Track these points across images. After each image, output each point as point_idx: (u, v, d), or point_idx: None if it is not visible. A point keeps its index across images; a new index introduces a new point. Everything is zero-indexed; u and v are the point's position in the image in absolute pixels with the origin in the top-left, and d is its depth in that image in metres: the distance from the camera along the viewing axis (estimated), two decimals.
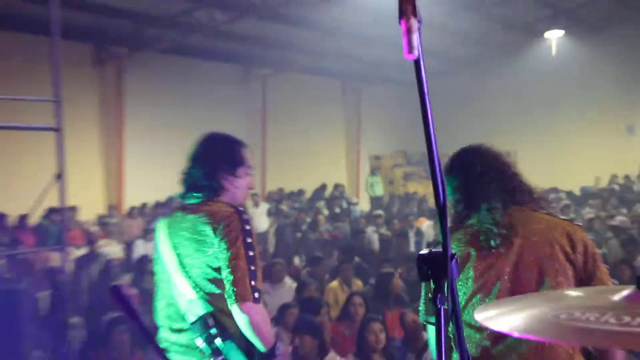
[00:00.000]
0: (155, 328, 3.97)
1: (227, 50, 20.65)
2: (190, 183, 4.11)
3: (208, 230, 3.76)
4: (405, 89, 25.68)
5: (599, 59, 24.84)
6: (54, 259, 10.29)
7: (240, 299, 3.59)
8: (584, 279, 3.43)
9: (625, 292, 1.78)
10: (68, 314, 8.54)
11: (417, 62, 1.76)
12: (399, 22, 1.75)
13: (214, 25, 17.34)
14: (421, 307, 3.71)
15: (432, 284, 1.98)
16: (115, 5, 15.79)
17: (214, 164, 4.09)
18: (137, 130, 18.83)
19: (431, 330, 3.73)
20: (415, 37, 1.74)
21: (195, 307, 3.74)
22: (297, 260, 12.71)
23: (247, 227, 3.75)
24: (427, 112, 1.81)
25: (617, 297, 1.77)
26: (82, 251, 13.08)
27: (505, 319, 1.89)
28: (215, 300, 3.72)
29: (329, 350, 6.59)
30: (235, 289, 3.63)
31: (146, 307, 9.50)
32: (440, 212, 1.92)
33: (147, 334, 2.11)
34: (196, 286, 3.77)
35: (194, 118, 20.00)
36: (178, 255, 3.87)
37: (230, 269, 3.66)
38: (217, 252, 3.72)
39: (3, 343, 5.80)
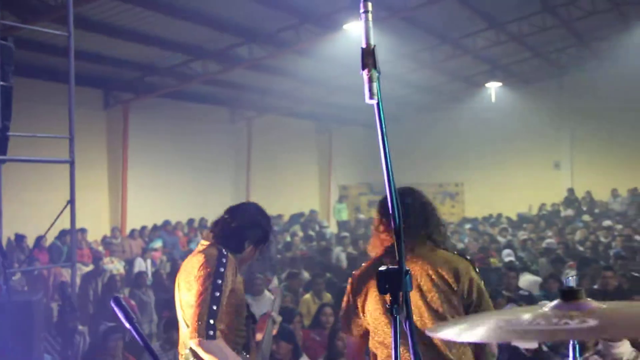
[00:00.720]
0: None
1: (217, 96, 20.67)
2: (215, 225, 3.99)
3: (195, 271, 3.69)
4: (368, 129, 25.85)
5: (530, 106, 25.32)
6: (65, 274, 10.20)
7: (193, 335, 3.55)
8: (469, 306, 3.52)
9: (552, 304, 1.79)
10: (75, 322, 8.46)
11: (377, 105, 1.77)
12: (361, 73, 1.77)
13: (207, 74, 17.35)
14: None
15: (389, 295, 1.96)
16: (121, 57, 15.79)
17: (246, 228, 3.96)
18: (139, 163, 18.77)
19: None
20: (375, 85, 1.76)
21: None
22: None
23: (222, 270, 3.65)
24: (385, 147, 1.82)
25: (546, 309, 1.78)
26: (89, 268, 13.01)
27: (468, 333, 1.89)
28: None
29: (301, 354, 6.56)
30: (192, 325, 3.58)
31: (144, 317, 9.46)
32: (396, 234, 1.92)
33: (143, 340, 2.08)
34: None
35: (188, 153, 20.08)
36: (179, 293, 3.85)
37: (194, 306, 3.60)
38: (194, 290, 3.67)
39: (19, 347, 5.72)
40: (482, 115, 25.84)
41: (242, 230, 3.92)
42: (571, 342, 1.83)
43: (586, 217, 21.74)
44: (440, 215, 3.91)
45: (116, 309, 2.09)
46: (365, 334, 3.70)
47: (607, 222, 19.19)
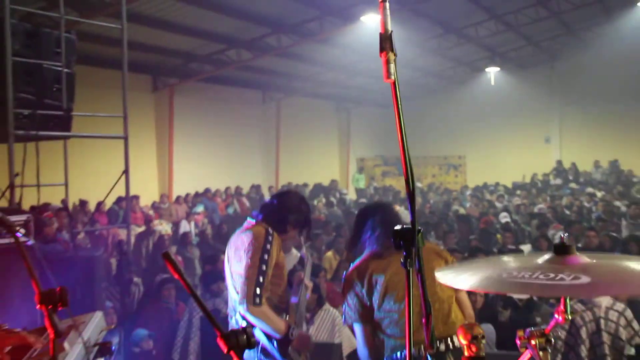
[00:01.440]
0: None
1: (250, 80, 20.60)
2: (263, 208, 4.02)
3: (246, 246, 3.73)
4: (383, 109, 25.81)
5: (524, 88, 25.11)
6: (121, 234, 10.29)
7: (242, 301, 3.60)
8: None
9: (546, 257, 1.78)
10: (131, 274, 8.55)
11: (393, 85, 1.75)
12: (380, 55, 1.75)
13: (240, 61, 17.34)
14: (345, 312, 3.68)
15: (403, 252, 1.94)
16: (167, 46, 15.81)
17: (290, 213, 3.98)
18: (182, 139, 18.88)
19: (359, 332, 3.66)
20: (392, 66, 1.74)
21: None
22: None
23: (268, 247, 3.70)
24: (401, 124, 1.80)
25: (540, 261, 1.77)
26: (141, 229, 13.11)
27: (464, 278, 1.88)
28: None
29: (324, 303, 6.60)
30: (241, 293, 3.63)
31: (187, 271, 9.53)
32: (410, 197, 1.90)
33: (189, 288, 2.08)
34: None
35: (224, 130, 20.13)
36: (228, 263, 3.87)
37: (244, 276, 3.65)
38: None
39: (84, 296, 5.80)
40: (482, 97, 25.64)
41: (286, 215, 3.95)
42: (563, 299, 1.81)
43: (572, 185, 21.66)
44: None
45: (164, 258, 2.09)
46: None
47: (589, 190, 19.16)
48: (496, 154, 25.77)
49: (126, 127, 8.41)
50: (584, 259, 1.72)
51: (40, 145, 7.45)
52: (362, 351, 3.67)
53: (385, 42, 1.74)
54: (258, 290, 3.59)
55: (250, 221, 3.91)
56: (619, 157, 23.83)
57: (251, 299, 3.57)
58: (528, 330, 1.84)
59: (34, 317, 3.84)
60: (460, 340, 1.92)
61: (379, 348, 3.60)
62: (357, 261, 3.76)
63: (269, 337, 3.69)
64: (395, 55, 1.75)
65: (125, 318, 7.10)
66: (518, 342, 1.85)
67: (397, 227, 1.95)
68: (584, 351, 5.57)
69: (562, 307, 1.78)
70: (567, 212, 14.95)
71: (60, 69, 6.78)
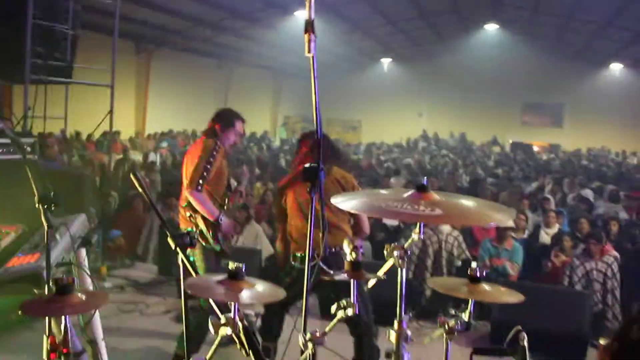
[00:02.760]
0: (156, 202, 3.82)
1: (210, 51, 19.88)
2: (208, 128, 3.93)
3: (198, 152, 3.67)
4: (306, 81, 25.28)
5: (407, 75, 25.59)
6: (105, 159, 9.90)
7: (188, 186, 3.57)
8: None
9: (410, 193, 1.80)
10: (110, 189, 8.29)
11: (313, 58, 1.72)
12: (304, 35, 1.71)
13: (204, 36, 16.90)
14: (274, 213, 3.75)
15: (308, 185, 1.92)
16: (149, 20, 15.06)
17: (218, 121, 3.88)
18: (155, 91, 18.26)
19: (279, 230, 3.77)
20: (312, 45, 1.70)
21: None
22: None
23: (214, 153, 3.64)
24: (315, 88, 1.77)
25: (406, 196, 1.78)
26: (120, 156, 12.68)
27: (350, 204, 1.88)
28: None
29: (251, 219, 6.57)
30: (187, 181, 3.59)
31: (153, 190, 9.28)
32: (317, 145, 1.89)
33: (150, 200, 2.02)
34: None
35: (187, 87, 19.58)
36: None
37: (192, 170, 3.59)
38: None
39: (74, 203, 5.54)
40: (377, 79, 25.89)
41: (229, 115, 3.95)
42: (420, 224, 1.84)
43: (433, 147, 22.19)
44: (342, 149, 4.10)
45: (133, 179, 2.02)
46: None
47: (444, 152, 19.65)
48: (383, 121, 25.84)
49: (113, 78, 8.26)
50: (437, 197, 1.75)
51: (48, 87, 7.42)
52: (278, 246, 3.75)
53: (309, 25, 1.70)
54: (201, 181, 3.55)
55: (202, 137, 3.86)
56: (466, 130, 24.57)
57: (195, 185, 3.54)
58: (392, 244, 1.87)
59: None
60: (345, 248, 1.94)
61: (289, 245, 3.66)
62: (289, 174, 3.81)
63: (206, 225, 3.62)
64: (315, 36, 1.70)
65: (104, 221, 6.92)
66: (385, 253, 1.88)
67: (306, 165, 1.93)
68: (429, 263, 5.84)
69: (417, 230, 1.82)
70: (428, 166, 15.31)
71: (67, 31, 6.78)
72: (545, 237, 6.93)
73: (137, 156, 13.08)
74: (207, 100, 20.95)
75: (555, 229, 6.96)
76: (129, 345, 4.10)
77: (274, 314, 3.59)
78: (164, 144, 15.92)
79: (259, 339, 3.49)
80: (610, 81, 22.41)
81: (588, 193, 9.91)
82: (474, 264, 2.05)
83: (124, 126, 15.96)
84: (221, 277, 1.85)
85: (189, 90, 19.63)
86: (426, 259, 5.85)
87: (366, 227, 3.72)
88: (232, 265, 1.81)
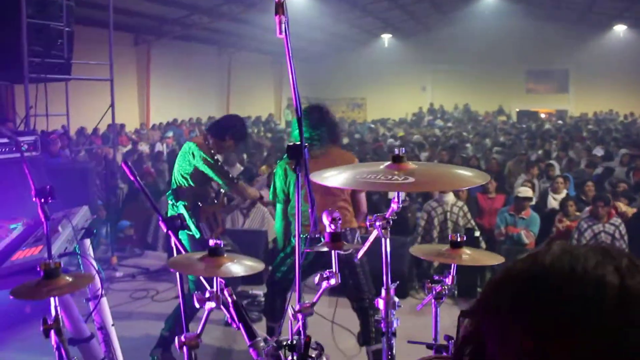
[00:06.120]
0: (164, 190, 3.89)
1: (209, 38, 19.79)
2: (211, 125, 4.07)
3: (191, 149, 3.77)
4: (308, 63, 25.25)
5: (410, 51, 25.35)
6: (110, 152, 9.99)
7: (227, 190, 3.90)
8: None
9: (386, 164, 1.82)
10: (117, 181, 8.40)
11: (285, 39, 1.76)
12: (275, 17, 1.73)
13: (202, 24, 16.78)
14: (271, 192, 3.67)
15: (294, 163, 1.93)
16: (145, 11, 15.09)
17: (221, 130, 3.89)
18: (157, 82, 18.23)
19: (278, 209, 3.66)
20: (282, 26, 1.72)
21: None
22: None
23: (212, 152, 3.76)
24: (292, 66, 1.80)
25: (382, 167, 1.81)
26: (127, 148, 12.79)
27: (334, 179, 1.90)
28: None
29: (257, 202, 6.59)
30: (221, 186, 3.86)
31: (159, 178, 9.34)
32: (298, 121, 1.92)
33: (140, 187, 2.07)
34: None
35: (189, 76, 19.52)
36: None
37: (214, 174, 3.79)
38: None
39: (79, 196, 5.64)
40: (378, 56, 25.65)
41: (225, 128, 3.89)
42: (397, 193, 1.86)
43: (438, 121, 22.11)
44: (338, 124, 3.87)
45: (124, 167, 2.07)
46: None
47: (449, 124, 19.60)
48: (387, 98, 25.72)
49: (112, 72, 8.25)
50: (412, 166, 1.77)
51: (48, 85, 7.42)
52: (278, 225, 3.68)
53: (279, 8, 1.72)
54: (230, 175, 3.81)
55: (197, 135, 3.93)
56: (470, 102, 24.41)
57: (231, 182, 3.81)
58: (375, 215, 1.90)
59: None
60: (324, 221, 1.97)
61: (289, 226, 3.63)
62: None
63: (188, 212, 3.66)
64: (286, 18, 1.72)
65: (113, 213, 7.02)
66: (368, 223, 1.92)
67: (290, 143, 1.96)
68: (435, 233, 5.89)
69: (396, 199, 1.85)
70: (434, 139, 15.22)
71: (62, 28, 6.76)
72: (553, 202, 6.93)
73: (143, 147, 13.16)
74: (209, 87, 20.98)
75: (563, 193, 6.95)
76: (139, 331, 4.20)
77: (277, 295, 3.60)
78: (170, 134, 16.01)
79: (263, 317, 3.52)
80: (614, 43, 22.10)
81: (599, 151, 10.11)
82: (477, 233, 2.09)
83: (128, 119, 16.05)
84: (202, 254, 1.93)
85: (191, 79, 19.60)
86: (432, 230, 5.91)
87: (364, 207, 3.70)
88: (211, 242, 1.88)
